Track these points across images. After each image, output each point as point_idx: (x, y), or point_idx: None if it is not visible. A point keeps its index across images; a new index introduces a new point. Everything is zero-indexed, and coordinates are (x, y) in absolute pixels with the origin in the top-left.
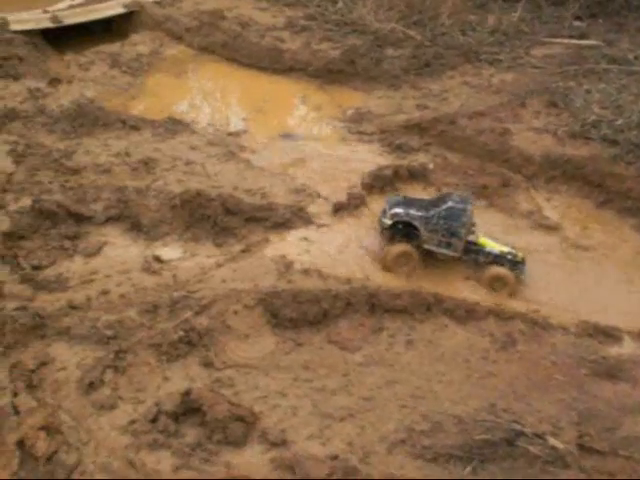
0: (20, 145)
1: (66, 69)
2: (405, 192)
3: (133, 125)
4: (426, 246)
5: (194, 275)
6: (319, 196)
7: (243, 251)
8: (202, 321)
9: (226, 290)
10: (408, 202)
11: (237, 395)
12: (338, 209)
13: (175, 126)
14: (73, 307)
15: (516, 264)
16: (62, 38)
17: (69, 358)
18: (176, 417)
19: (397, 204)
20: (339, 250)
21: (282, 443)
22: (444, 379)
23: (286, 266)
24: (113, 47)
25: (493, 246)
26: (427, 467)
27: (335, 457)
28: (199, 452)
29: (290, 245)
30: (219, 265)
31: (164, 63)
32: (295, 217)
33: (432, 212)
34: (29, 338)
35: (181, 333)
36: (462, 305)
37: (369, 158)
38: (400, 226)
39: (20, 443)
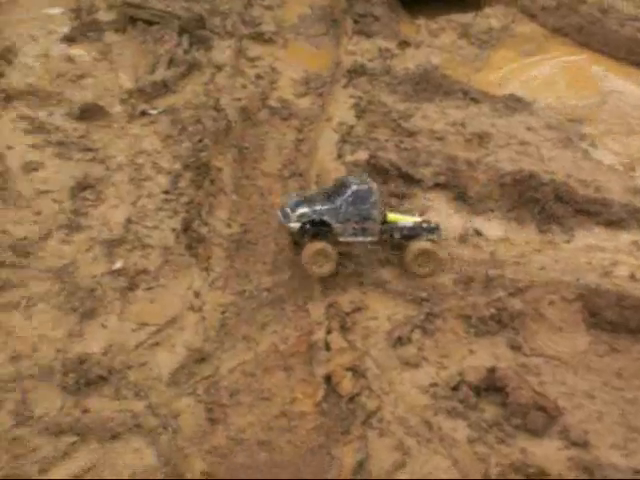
0: (363, 101)
1: (415, 33)
2: None
3: (473, 97)
4: (341, 239)
5: (512, 256)
6: None
7: (567, 242)
8: (515, 304)
9: (544, 278)
10: (308, 199)
11: (542, 385)
12: None
13: (515, 104)
14: None
15: (432, 231)
16: (417, 2)
17: (382, 309)
18: (478, 391)
19: (298, 204)
20: None
21: (583, 444)
22: None
23: (613, 266)
24: (465, 17)
25: (404, 219)
26: None
27: (638, 472)
28: (496, 431)
29: (620, 245)
30: (539, 251)
31: (513, 39)
32: (630, 218)
33: (339, 201)
34: (348, 283)
35: (492, 310)
36: None
37: None
38: (308, 226)
39: (327, 378)
